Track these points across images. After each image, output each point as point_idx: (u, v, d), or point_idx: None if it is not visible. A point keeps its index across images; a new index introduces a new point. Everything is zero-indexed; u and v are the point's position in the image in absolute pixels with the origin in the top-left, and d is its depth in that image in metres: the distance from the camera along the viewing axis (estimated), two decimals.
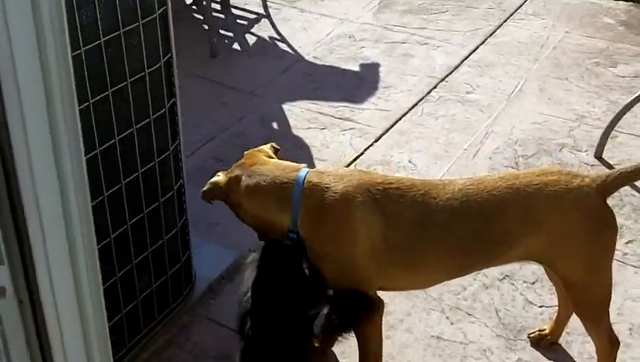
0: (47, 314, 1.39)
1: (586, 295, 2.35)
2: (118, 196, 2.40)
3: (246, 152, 2.43)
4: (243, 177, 2.30)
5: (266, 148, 2.45)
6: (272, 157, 2.41)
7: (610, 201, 2.44)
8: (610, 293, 2.36)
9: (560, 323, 2.72)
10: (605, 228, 2.25)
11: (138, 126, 2.39)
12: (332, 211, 2.21)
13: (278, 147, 2.51)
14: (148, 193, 2.53)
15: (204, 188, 2.38)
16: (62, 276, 1.38)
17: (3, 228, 1.29)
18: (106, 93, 2.23)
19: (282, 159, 2.45)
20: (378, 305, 2.32)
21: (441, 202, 2.20)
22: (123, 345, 2.63)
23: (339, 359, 2.68)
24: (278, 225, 2.28)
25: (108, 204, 2.36)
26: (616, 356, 2.45)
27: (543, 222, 2.21)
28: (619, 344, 2.44)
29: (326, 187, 2.23)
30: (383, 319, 2.79)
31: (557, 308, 2.70)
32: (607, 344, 2.42)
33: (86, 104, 2.15)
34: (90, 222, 1.40)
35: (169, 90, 2.50)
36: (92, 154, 2.22)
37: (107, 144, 2.29)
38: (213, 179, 2.37)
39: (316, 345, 2.38)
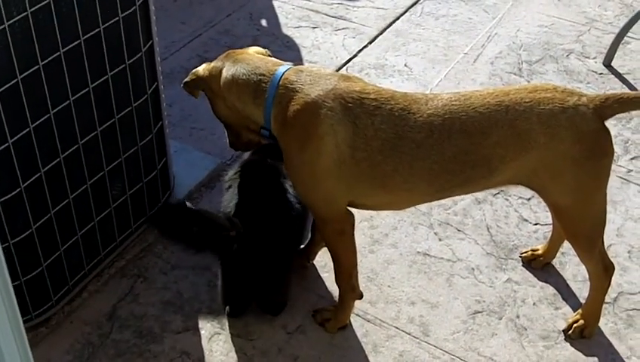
0: None
1: (577, 222, 2.20)
2: (85, 101, 2.24)
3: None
4: (226, 66, 2.21)
5: (260, 49, 2.36)
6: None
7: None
8: (604, 221, 2.21)
9: (554, 244, 2.59)
10: (600, 153, 2.06)
11: (105, 25, 2.19)
12: (299, 115, 2.07)
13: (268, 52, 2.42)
14: (119, 97, 2.37)
15: (186, 79, 2.31)
16: None
17: None
18: None
19: None
20: (347, 220, 2.21)
21: (420, 118, 2.04)
22: (97, 252, 2.54)
23: (320, 272, 2.58)
24: (253, 119, 2.20)
25: (75, 110, 2.21)
26: (610, 281, 2.32)
27: (532, 144, 2.03)
28: (613, 269, 2.31)
29: (300, 87, 2.09)
30: (368, 233, 2.70)
31: (552, 226, 2.57)
32: (601, 271, 2.29)
33: (45, 2, 1.96)
34: None
35: None
36: (55, 55, 2.05)
37: (71, 45, 2.11)
38: (195, 69, 2.31)
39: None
